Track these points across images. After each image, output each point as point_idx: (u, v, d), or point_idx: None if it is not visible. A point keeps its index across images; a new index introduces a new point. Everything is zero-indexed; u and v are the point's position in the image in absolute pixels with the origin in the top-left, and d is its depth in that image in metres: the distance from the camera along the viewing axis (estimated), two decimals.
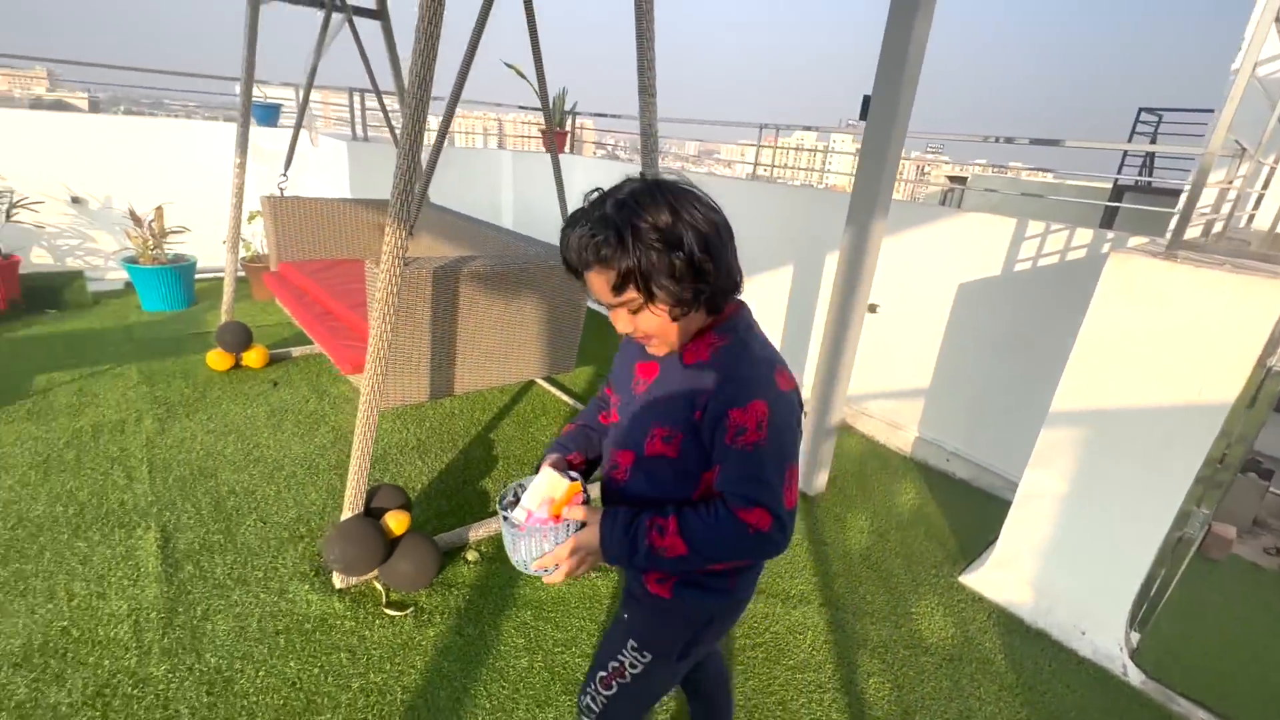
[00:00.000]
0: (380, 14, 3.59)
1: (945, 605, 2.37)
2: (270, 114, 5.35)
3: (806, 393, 3.85)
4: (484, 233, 3.04)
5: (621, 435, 1.05)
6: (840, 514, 2.88)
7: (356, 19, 3.42)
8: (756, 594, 2.29)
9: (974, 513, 3.02)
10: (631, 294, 0.87)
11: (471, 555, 2.35)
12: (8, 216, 4.27)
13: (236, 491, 2.60)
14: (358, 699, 1.76)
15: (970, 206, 6.84)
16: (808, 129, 5.80)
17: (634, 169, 5.44)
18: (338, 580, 2.13)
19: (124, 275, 5.02)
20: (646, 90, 2.21)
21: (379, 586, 2.13)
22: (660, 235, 0.84)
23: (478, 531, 2.43)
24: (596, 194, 0.90)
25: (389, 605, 2.08)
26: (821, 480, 3.01)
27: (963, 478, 3.31)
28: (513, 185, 5.63)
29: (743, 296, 0.99)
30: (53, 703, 1.66)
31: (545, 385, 3.88)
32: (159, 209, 4.59)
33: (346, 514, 2.06)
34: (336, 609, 2.05)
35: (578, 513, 0.97)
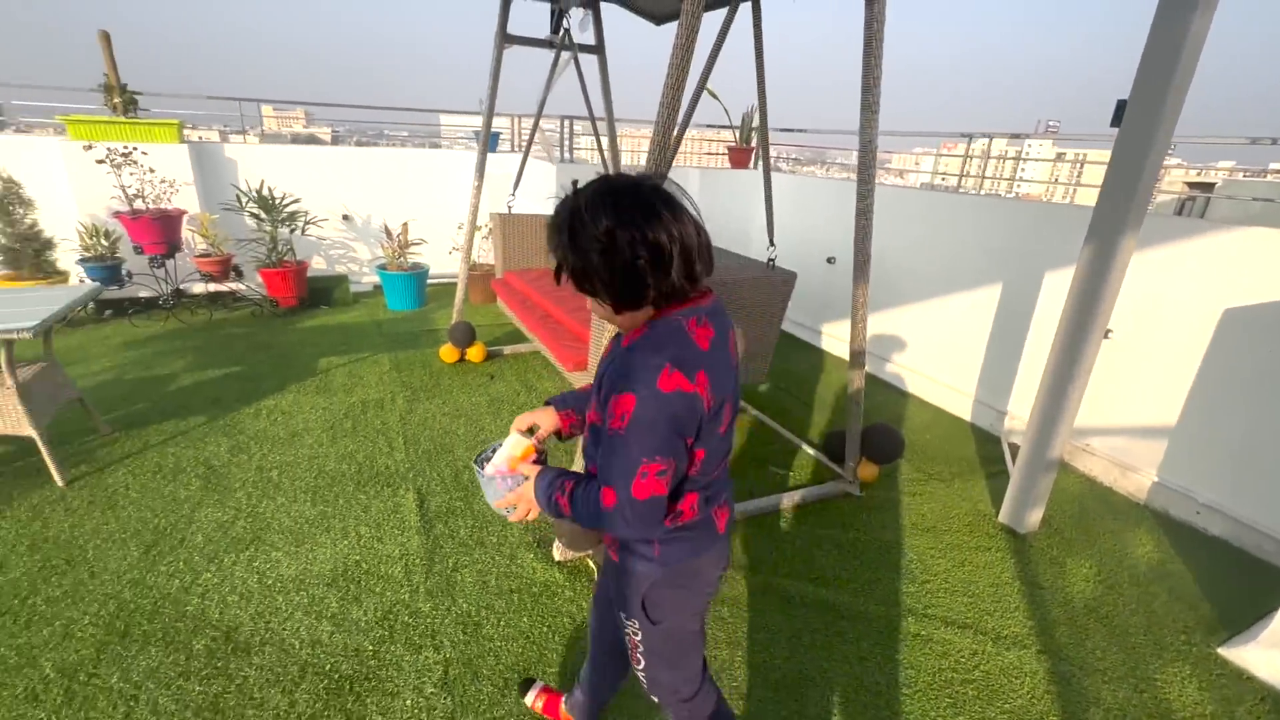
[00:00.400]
0: (599, 49, 3.97)
1: (1200, 678, 2.05)
2: (492, 141, 6.11)
3: (1018, 422, 3.54)
4: None
5: (593, 397, 1.15)
6: (1057, 557, 2.62)
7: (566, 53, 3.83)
8: (962, 628, 2.18)
9: (1236, 577, 2.57)
10: (575, 286, 1.02)
11: None
12: (302, 231, 5.35)
13: (468, 466, 3.02)
14: (580, 662, 1.97)
15: (1219, 216, 5.79)
16: (1015, 136, 5.33)
17: (813, 182, 5.40)
18: (557, 553, 2.40)
19: (375, 279, 6.04)
20: (870, 107, 2.23)
21: (592, 564, 2.37)
22: (600, 242, 0.94)
23: None
24: (572, 190, 1.01)
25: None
26: (1035, 518, 2.76)
27: (1218, 534, 2.83)
28: (699, 200, 5.84)
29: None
30: (354, 618, 2.07)
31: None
32: (404, 224, 5.47)
33: None
34: (556, 578, 2.31)
35: (525, 469, 1.17)
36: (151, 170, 4.70)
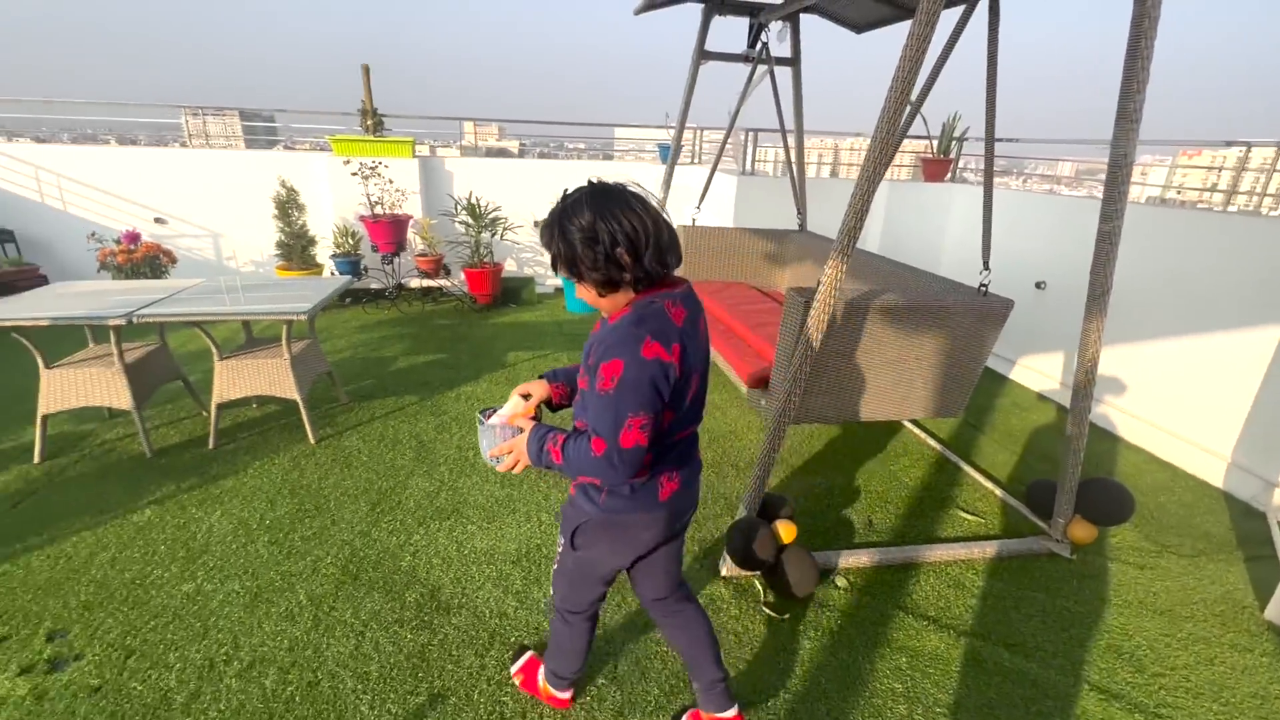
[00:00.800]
0: (794, 61, 3.91)
1: None
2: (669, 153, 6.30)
3: None
4: (877, 266, 3.06)
5: (582, 364, 1.31)
6: None
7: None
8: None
9: None
10: (565, 273, 1.21)
11: (841, 581, 2.38)
12: (501, 235, 5.92)
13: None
14: (753, 681, 1.94)
15: None
16: None
17: (1018, 197, 4.82)
18: (724, 568, 2.39)
19: (557, 282, 6.51)
20: (1129, 116, 1.94)
21: (759, 585, 2.32)
22: (583, 232, 1.14)
23: (848, 559, 2.45)
24: (563, 195, 1.22)
25: (767, 605, 2.24)
26: None
27: None
28: (884, 214, 5.53)
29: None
30: (535, 598, 2.24)
31: (910, 426, 3.70)
32: None
33: (741, 513, 2.30)
34: (723, 593, 2.30)
35: (522, 422, 1.38)
36: (390, 181, 5.51)
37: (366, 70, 5.60)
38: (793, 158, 4.03)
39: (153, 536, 2.48)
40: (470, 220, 5.70)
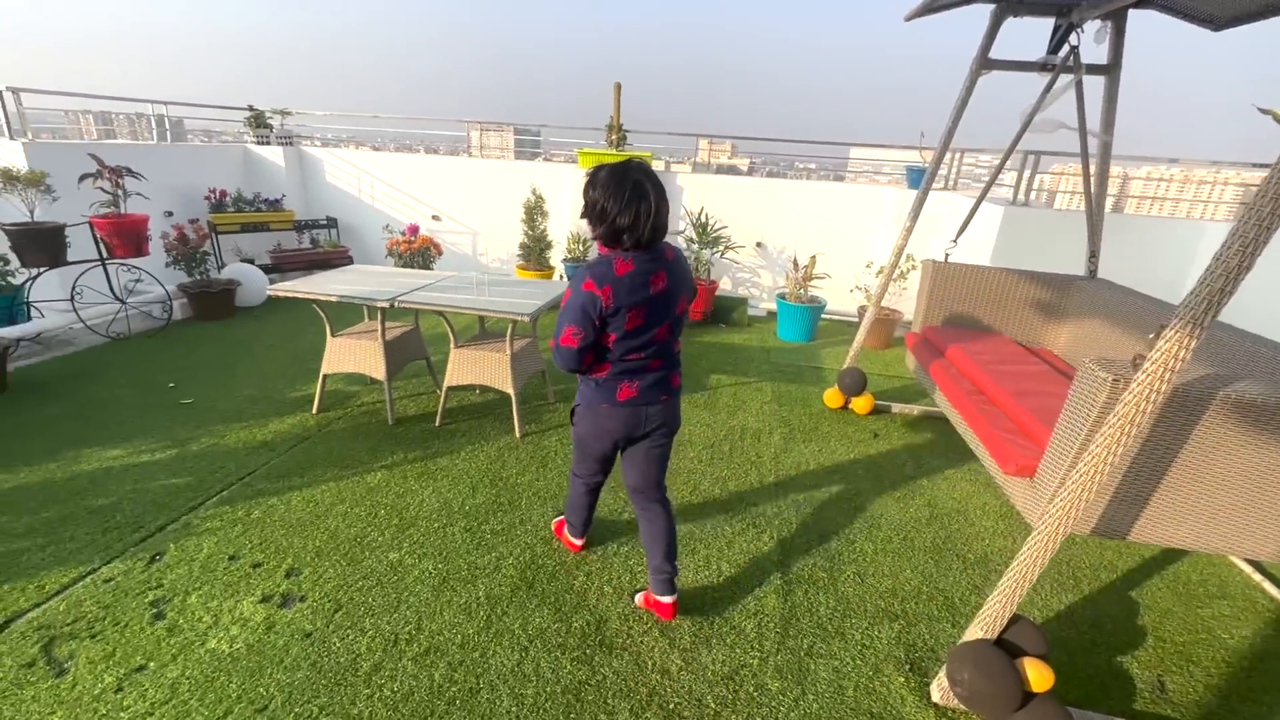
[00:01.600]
0: (1111, 68, 3.13)
1: None
2: (916, 178, 5.61)
3: None
4: (1225, 339, 2.25)
5: None
6: None
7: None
8: None
9: None
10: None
11: None
12: (722, 254, 5.81)
13: (836, 533, 2.71)
14: None
15: None
16: None
17: None
18: (935, 690, 1.91)
19: (771, 306, 6.21)
20: None
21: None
22: (586, 196, 1.75)
23: None
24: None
25: None
26: None
27: None
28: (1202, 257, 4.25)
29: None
30: (703, 661, 2.00)
31: (1239, 561, 2.72)
32: (813, 258, 5.43)
33: (975, 633, 1.80)
34: None
35: None
36: None
37: (618, 88, 5.91)
38: (1092, 186, 3.23)
39: (378, 500, 2.77)
40: (695, 236, 5.68)
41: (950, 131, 3.41)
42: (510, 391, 3.34)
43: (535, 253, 5.86)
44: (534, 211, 5.81)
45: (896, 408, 4.06)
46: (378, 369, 3.43)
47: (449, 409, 3.66)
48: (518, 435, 3.40)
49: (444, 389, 3.46)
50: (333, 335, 3.49)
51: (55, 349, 4.43)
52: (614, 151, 5.97)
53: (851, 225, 5.98)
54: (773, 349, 5.23)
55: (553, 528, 2.59)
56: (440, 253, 6.13)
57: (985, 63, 3.29)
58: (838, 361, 4.96)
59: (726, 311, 5.89)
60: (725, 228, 5.77)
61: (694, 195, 6.15)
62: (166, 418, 3.45)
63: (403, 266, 5.94)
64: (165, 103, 5.92)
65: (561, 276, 6.00)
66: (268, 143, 6.54)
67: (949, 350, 3.10)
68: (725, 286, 6.44)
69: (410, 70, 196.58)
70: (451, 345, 3.39)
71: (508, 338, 3.29)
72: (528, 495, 2.86)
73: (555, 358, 1.84)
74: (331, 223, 6.54)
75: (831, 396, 4.01)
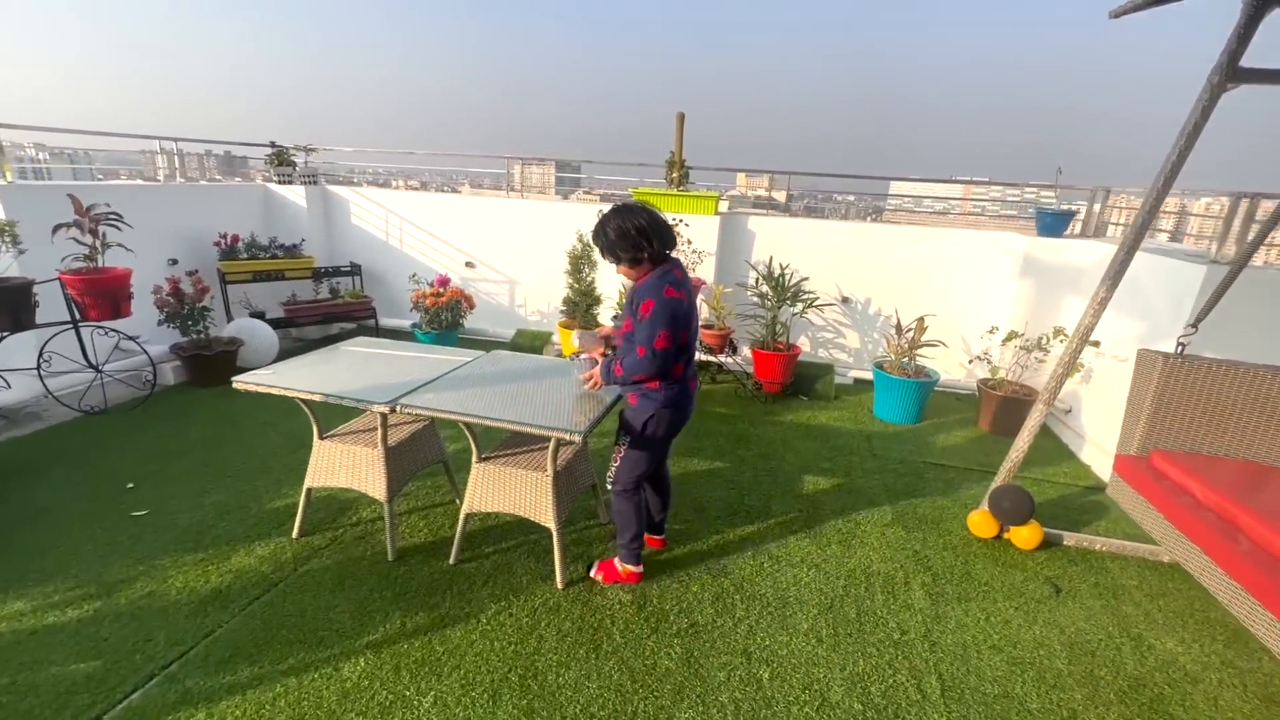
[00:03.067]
0: None
1: None
2: (1055, 223, 4.56)
3: None
4: None
5: (628, 316, 2.24)
6: None
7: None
8: None
9: None
10: (611, 258, 2.17)
11: None
12: (802, 312, 4.84)
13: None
14: None
15: None
16: None
17: None
18: None
19: (862, 373, 5.19)
20: None
21: None
22: (618, 231, 2.10)
23: None
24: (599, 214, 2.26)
25: None
26: None
27: None
28: None
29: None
30: None
31: None
32: (920, 320, 4.42)
33: None
34: None
35: (596, 357, 2.42)
36: (689, 242, 4.84)
37: (680, 119, 5.08)
38: None
39: (352, 718, 1.85)
40: (768, 291, 4.74)
41: (1176, 163, 2.41)
42: (551, 526, 2.41)
43: (581, 309, 5.00)
44: (580, 261, 4.98)
45: (1072, 539, 2.98)
46: (376, 486, 2.56)
47: (471, 531, 2.76)
48: (559, 584, 2.46)
49: (461, 516, 2.56)
50: (320, 437, 2.64)
51: (23, 424, 3.73)
52: (675, 191, 5.11)
53: (962, 279, 4.95)
54: (873, 434, 4.20)
55: (597, 579, 2.53)
56: (473, 306, 5.34)
57: (1235, 73, 2.30)
58: (961, 456, 3.90)
59: (808, 381, 4.88)
60: (805, 280, 4.81)
61: (764, 242, 5.23)
62: (106, 540, 2.63)
63: (429, 323, 5.16)
64: (175, 139, 5.36)
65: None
66: (290, 181, 5.93)
67: (1198, 482, 2.05)
68: (803, 348, 5.45)
69: (449, 103, 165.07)
70: (473, 457, 2.50)
71: (550, 451, 2.38)
72: (574, 711, 1.90)
73: (639, 364, 2.12)
74: (354, 270, 5.84)
75: (980, 522, 2.96)
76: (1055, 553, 2.91)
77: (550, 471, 2.39)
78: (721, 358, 4.89)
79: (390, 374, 2.59)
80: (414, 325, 5.30)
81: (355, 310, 5.62)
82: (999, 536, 2.96)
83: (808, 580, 2.61)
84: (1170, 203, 4.54)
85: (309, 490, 2.69)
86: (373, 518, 2.87)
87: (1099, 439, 3.87)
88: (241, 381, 2.47)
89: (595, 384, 2.35)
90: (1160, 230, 4.48)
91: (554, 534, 2.43)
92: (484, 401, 2.32)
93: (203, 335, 4.50)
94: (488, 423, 2.19)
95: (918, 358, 4.43)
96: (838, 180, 7.88)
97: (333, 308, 5.51)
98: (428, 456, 2.87)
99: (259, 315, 5.21)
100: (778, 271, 4.78)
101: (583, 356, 2.48)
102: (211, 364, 4.44)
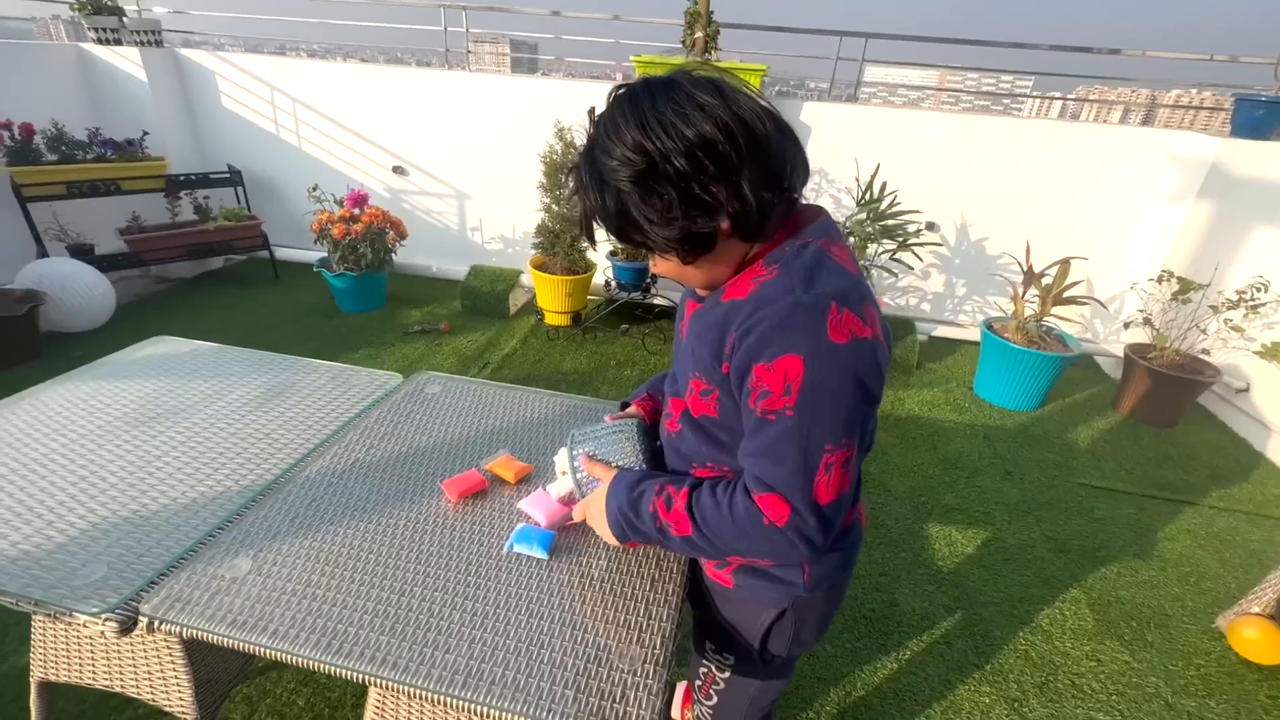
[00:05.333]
0: None
1: None
2: (1275, 117, 3.09)
3: None
4: None
5: (673, 378, 0.93)
6: None
7: None
8: None
9: None
10: (619, 239, 0.75)
11: None
12: (894, 253, 3.40)
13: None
14: None
15: None
16: None
17: None
18: None
19: (947, 331, 3.88)
20: None
21: None
22: (629, 163, 0.68)
23: None
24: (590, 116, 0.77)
25: None
26: None
27: None
28: None
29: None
30: None
31: None
32: (1065, 264, 3.06)
33: None
34: None
35: (598, 470, 0.92)
36: None
37: None
38: None
39: None
40: (865, 218, 3.29)
41: None
42: None
43: (564, 242, 3.46)
44: (559, 170, 3.37)
45: None
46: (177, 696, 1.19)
47: None
48: None
49: None
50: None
51: None
52: (700, 60, 3.44)
53: (1101, 199, 3.54)
54: (990, 431, 2.95)
55: None
56: (403, 235, 3.73)
57: None
58: (1126, 470, 2.69)
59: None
60: (896, 199, 3.33)
61: (821, 141, 3.67)
62: None
63: (340, 261, 3.55)
64: None
65: (609, 283, 3.62)
66: (117, 41, 3.96)
67: None
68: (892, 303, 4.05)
69: None
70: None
71: None
72: None
73: (774, 543, 0.75)
74: (234, 177, 4.07)
75: (1260, 641, 1.79)
76: None
77: None
78: None
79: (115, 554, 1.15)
80: (320, 263, 3.69)
81: (237, 238, 3.94)
82: None
83: None
84: None
85: (41, 686, 1.31)
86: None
87: None
88: None
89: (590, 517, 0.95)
90: None
91: None
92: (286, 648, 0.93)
93: None
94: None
95: (1054, 318, 3.11)
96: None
97: (200, 236, 3.81)
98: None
99: (81, 250, 3.52)
100: (876, 189, 3.28)
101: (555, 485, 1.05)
102: None
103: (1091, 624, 1.93)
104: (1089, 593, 2.05)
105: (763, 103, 0.72)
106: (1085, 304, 3.09)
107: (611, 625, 0.89)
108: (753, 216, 0.71)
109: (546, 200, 3.45)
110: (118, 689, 1.19)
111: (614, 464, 0.93)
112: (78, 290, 3.21)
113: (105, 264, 3.47)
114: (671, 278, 0.80)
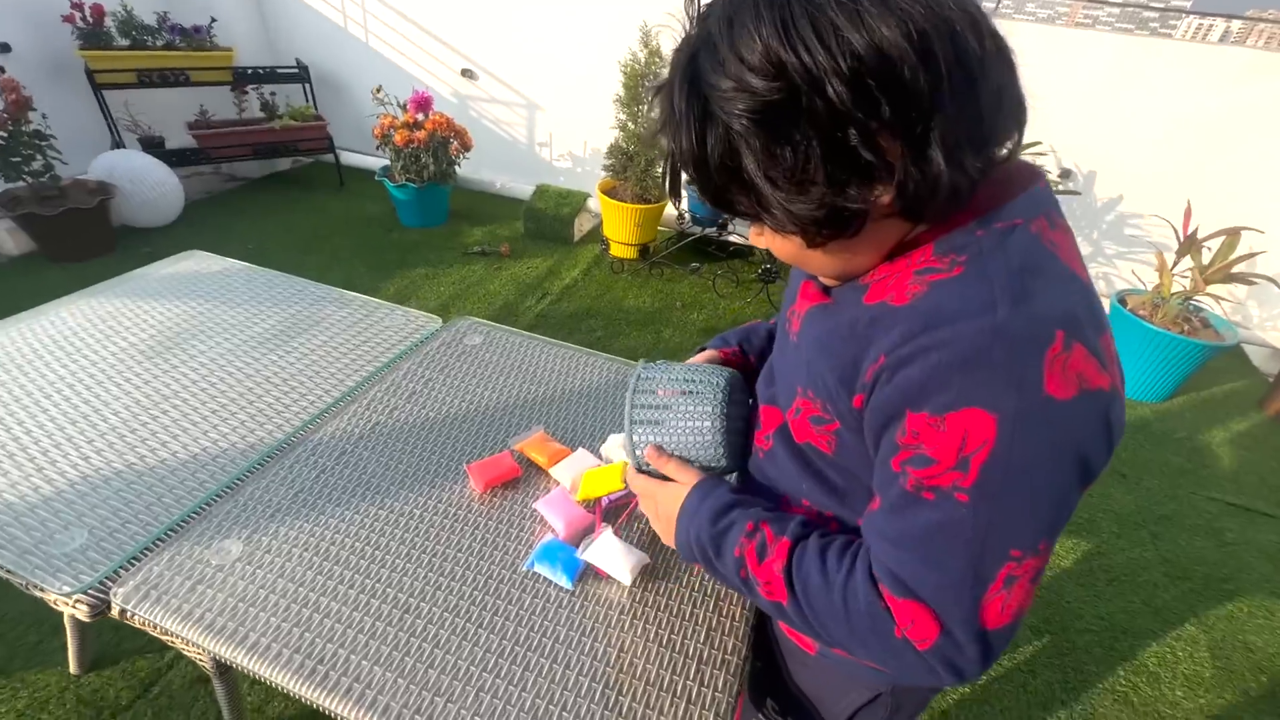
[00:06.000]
0: None
1: None
2: None
3: None
4: None
5: (769, 376, 0.68)
6: None
7: None
8: None
9: None
10: (709, 200, 0.50)
11: None
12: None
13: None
14: None
15: None
16: None
17: None
18: None
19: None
20: None
21: None
22: (751, 95, 0.42)
23: None
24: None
25: None
26: None
27: None
28: None
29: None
30: None
31: None
32: (1234, 235, 2.52)
33: None
34: None
35: (671, 469, 0.67)
36: None
37: None
38: None
39: None
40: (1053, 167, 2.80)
41: None
42: None
43: (637, 166, 3.14)
44: (640, 82, 3.00)
45: None
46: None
47: None
48: None
49: None
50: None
51: None
52: None
53: (1266, 150, 2.89)
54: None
55: None
56: (468, 146, 3.49)
57: None
58: (1267, 484, 2.29)
59: None
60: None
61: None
62: None
63: (403, 170, 3.37)
64: None
65: (681, 215, 3.29)
66: None
67: None
68: None
69: None
70: None
71: None
72: None
73: (906, 661, 0.50)
74: (301, 73, 3.89)
75: None
76: None
77: None
78: None
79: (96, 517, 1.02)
80: (383, 171, 3.52)
81: (304, 138, 3.81)
82: None
83: None
84: None
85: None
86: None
87: None
88: None
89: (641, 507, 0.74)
90: None
91: None
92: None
93: (45, 179, 2.86)
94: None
95: (1208, 297, 2.61)
96: None
97: (266, 135, 3.70)
98: None
99: (152, 143, 3.48)
100: None
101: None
102: (64, 228, 2.86)
103: (1210, 672, 1.65)
104: (1210, 632, 1.75)
105: (975, 3, 0.44)
106: (1255, 282, 2.56)
107: (653, 688, 0.71)
108: (936, 190, 0.44)
109: (623, 117, 3.11)
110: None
111: (692, 455, 0.67)
112: (148, 184, 3.18)
113: (174, 159, 3.42)
114: (784, 260, 0.55)
